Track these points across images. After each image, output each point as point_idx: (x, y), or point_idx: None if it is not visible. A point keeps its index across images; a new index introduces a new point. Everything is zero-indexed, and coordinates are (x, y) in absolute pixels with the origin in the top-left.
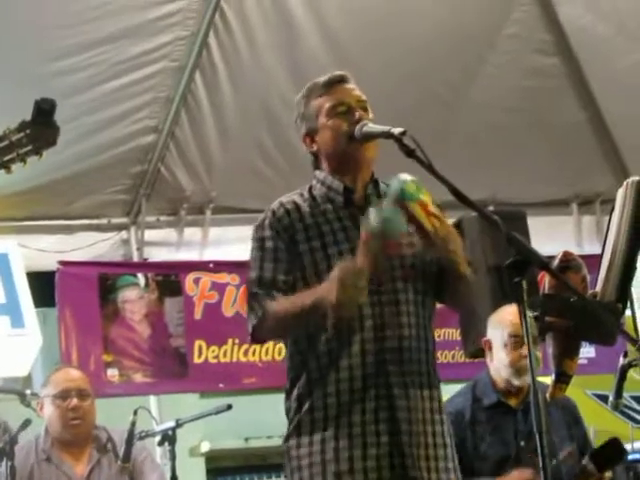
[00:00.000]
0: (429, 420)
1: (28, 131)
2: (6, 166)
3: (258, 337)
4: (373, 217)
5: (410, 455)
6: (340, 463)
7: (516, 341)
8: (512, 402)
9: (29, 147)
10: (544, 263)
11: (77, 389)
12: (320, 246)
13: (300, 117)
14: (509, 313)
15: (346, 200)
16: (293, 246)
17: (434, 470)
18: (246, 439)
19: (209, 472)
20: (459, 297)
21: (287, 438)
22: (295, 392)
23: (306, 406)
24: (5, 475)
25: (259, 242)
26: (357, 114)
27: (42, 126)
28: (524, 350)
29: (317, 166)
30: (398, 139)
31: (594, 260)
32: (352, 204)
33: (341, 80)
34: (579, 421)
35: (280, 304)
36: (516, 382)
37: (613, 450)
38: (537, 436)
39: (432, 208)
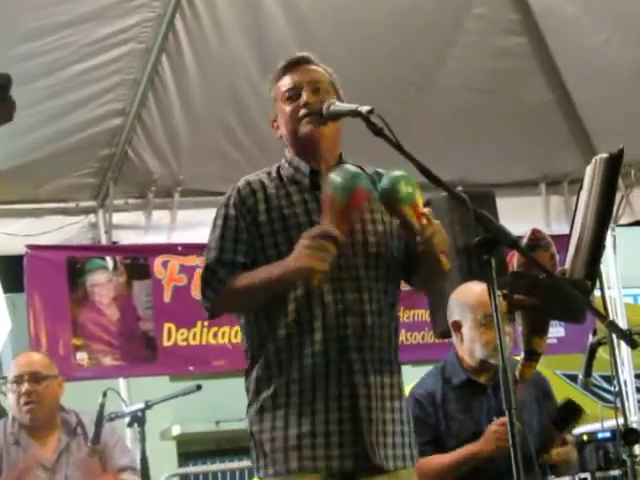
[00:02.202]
0: (389, 408)
1: None
2: None
3: (216, 311)
4: (335, 175)
5: (370, 442)
6: (303, 450)
7: (486, 323)
8: (482, 379)
9: None
10: (513, 241)
11: (30, 373)
12: (282, 228)
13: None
14: (479, 292)
15: (312, 182)
16: (255, 227)
17: (392, 458)
18: (217, 422)
19: (180, 456)
20: (431, 285)
21: (251, 422)
22: (254, 374)
23: (269, 391)
24: None
25: (223, 220)
26: (304, 97)
27: None
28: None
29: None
30: (365, 117)
31: (562, 240)
32: (317, 187)
33: (300, 62)
34: (549, 395)
35: (245, 277)
36: (493, 361)
37: (570, 409)
38: (506, 413)
39: (422, 208)
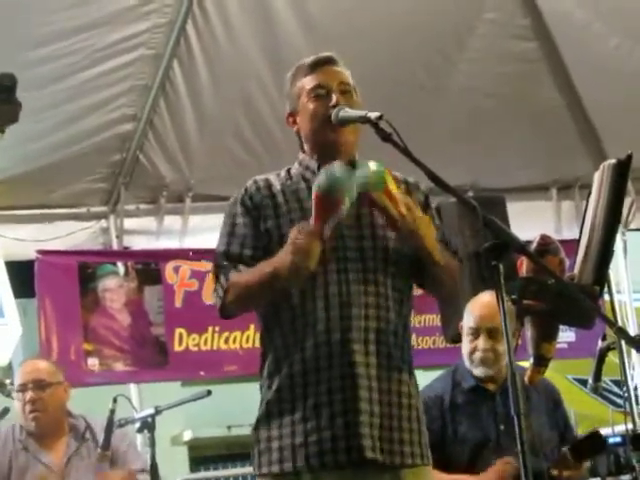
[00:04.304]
0: (394, 403)
1: None
2: None
3: (225, 310)
4: (321, 175)
5: (369, 436)
6: (310, 447)
7: (473, 333)
8: (490, 386)
9: None
10: (521, 246)
11: (34, 381)
12: (288, 223)
13: (286, 96)
14: (479, 304)
15: None
16: (262, 223)
17: (392, 453)
18: (228, 427)
19: (192, 461)
20: (439, 285)
21: (258, 419)
22: (266, 370)
23: (274, 385)
24: None
25: (230, 218)
26: (334, 98)
27: (3, 103)
28: (480, 343)
29: (302, 145)
30: (374, 124)
31: (573, 245)
32: None
33: (327, 61)
34: (559, 404)
35: (242, 275)
36: (475, 371)
37: (593, 442)
38: (515, 419)
39: (398, 195)
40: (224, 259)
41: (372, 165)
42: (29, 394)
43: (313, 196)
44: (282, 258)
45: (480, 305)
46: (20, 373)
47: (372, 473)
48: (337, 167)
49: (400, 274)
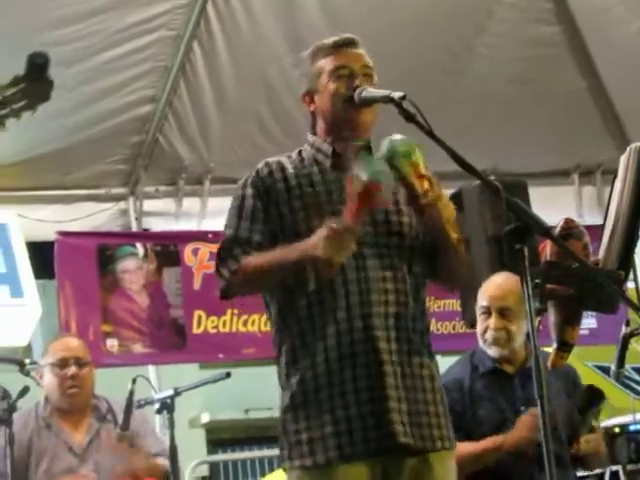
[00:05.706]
0: (419, 387)
1: (22, 86)
2: (0, 122)
3: (229, 292)
4: (362, 169)
5: (399, 422)
6: (341, 437)
7: (484, 312)
8: (507, 368)
9: (23, 102)
10: (545, 229)
11: (75, 357)
12: (301, 207)
13: (304, 75)
14: (491, 283)
15: (333, 164)
16: (274, 207)
17: (422, 438)
18: (246, 410)
19: (209, 443)
20: (451, 273)
21: (284, 411)
22: (283, 359)
23: (296, 377)
24: (4, 442)
25: (239, 200)
26: (357, 80)
27: (36, 81)
28: (491, 322)
29: (314, 126)
30: (398, 104)
31: (594, 230)
32: (339, 168)
33: (350, 43)
34: (578, 386)
35: (260, 256)
36: (489, 352)
37: (591, 395)
38: (538, 402)
39: (423, 170)
40: (233, 243)
41: (400, 136)
42: (72, 369)
43: (355, 187)
44: (312, 248)
45: (492, 285)
46: (57, 349)
47: (401, 459)
48: (377, 161)
49: (415, 259)
